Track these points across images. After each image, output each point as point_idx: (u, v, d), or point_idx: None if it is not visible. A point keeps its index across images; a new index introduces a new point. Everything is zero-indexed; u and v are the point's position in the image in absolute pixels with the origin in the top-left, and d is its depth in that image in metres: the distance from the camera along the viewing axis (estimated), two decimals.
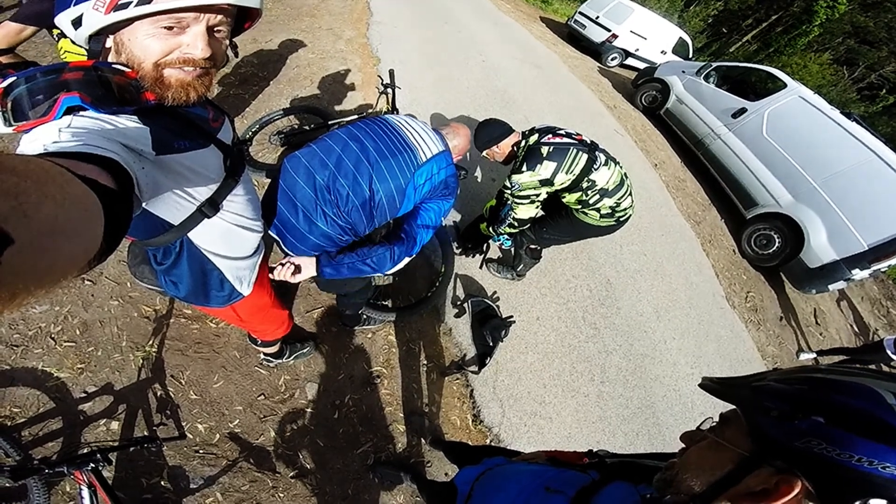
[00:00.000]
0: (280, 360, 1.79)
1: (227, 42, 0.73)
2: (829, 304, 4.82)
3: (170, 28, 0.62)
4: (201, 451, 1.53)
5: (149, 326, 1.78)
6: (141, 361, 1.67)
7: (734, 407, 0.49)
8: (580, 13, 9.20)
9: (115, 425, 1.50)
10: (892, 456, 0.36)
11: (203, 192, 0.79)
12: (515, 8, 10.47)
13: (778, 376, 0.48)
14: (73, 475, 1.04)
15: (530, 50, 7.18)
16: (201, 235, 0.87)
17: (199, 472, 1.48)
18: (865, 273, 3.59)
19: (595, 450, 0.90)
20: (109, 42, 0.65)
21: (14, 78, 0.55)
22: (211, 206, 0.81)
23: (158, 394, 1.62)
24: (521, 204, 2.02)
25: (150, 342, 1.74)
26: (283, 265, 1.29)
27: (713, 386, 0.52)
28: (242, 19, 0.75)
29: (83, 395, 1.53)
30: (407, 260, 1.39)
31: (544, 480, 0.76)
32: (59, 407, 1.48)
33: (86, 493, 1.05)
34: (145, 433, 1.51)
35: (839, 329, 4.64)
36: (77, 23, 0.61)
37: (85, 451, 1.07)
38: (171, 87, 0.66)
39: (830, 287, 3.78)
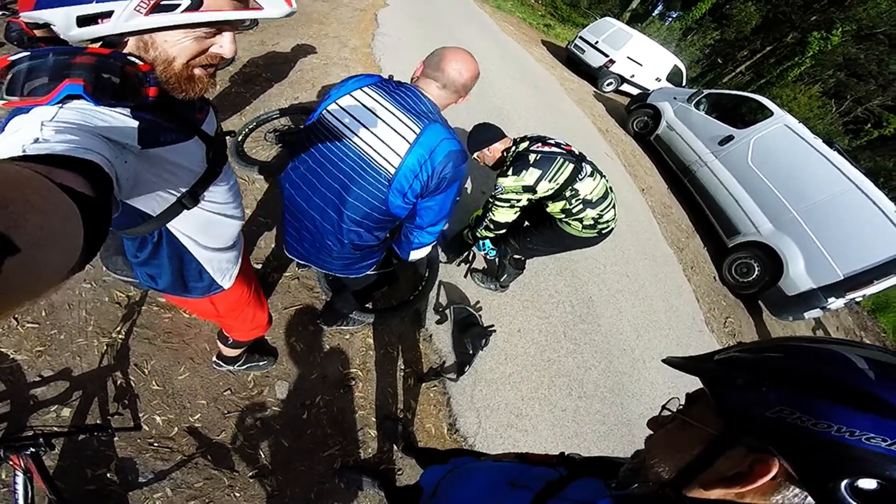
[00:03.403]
0: (231, 367, 1.69)
1: None
2: (805, 332, 4.91)
3: (209, 33, 0.65)
4: (155, 444, 1.46)
5: (119, 312, 1.72)
6: (105, 348, 1.61)
7: (702, 387, 0.45)
8: (580, 38, 9.47)
9: (66, 412, 1.42)
10: (874, 425, 0.32)
11: (184, 184, 0.78)
12: (518, 30, 10.82)
13: (743, 347, 0.45)
14: (10, 459, 0.97)
15: (529, 71, 7.39)
16: (180, 225, 0.86)
17: (151, 465, 1.41)
18: (841, 302, 3.67)
19: (568, 453, 0.88)
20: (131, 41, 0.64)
21: (25, 53, 0.54)
22: (191, 198, 0.80)
23: (118, 382, 1.55)
24: (501, 207, 2.04)
25: (118, 329, 1.68)
26: None
27: (676, 360, 0.49)
28: None
29: (37, 378, 1.45)
30: (426, 250, 1.43)
31: (510, 477, 0.74)
32: (9, 390, 1.40)
33: (20, 479, 0.98)
34: (98, 422, 1.43)
35: None
36: (91, 20, 0.57)
37: (28, 434, 1.01)
38: (199, 84, 0.69)
39: (806, 315, 3.87)
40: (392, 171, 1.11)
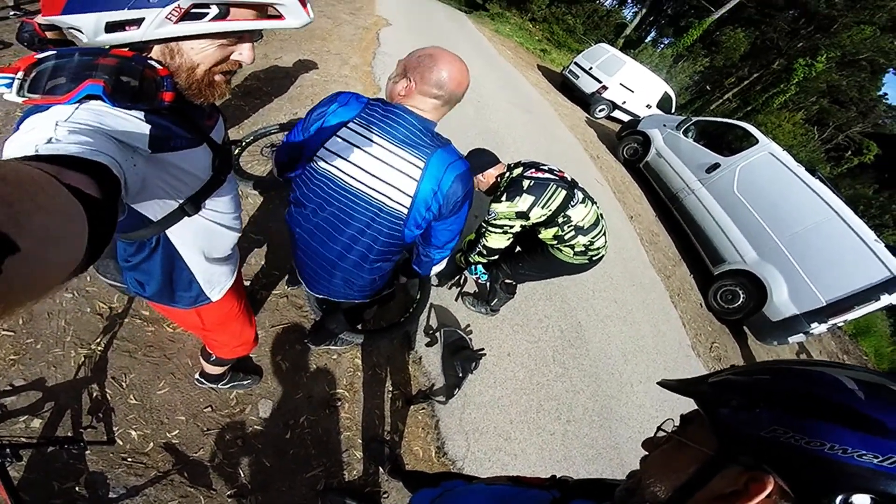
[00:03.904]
0: (214, 385, 1.64)
1: None
2: (790, 356, 4.98)
3: (231, 41, 0.67)
4: (129, 460, 1.40)
5: (100, 324, 1.67)
6: (82, 359, 1.55)
7: (696, 408, 0.46)
8: (575, 63, 9.71)
9: (36, 423, 1.37)
10: (864, 443, 0.32)
11: (187, 190, 0.78)
12: (515, 55, 11.18)
13: (735, 370, 0.47)
14: None
15: (524, 95, 7.62)
16: (179, 232, 0.85)
17: (123, 480, 1.35)
18: (823, 327, 3.76)
19: (560, 476, 0.87)
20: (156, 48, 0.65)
21: (52, 52, 0.54)
22: (193, 205, 0.80)
23: (94, 395, 1.49)
24: (494, 233, 2.06)
25: (98, 340, 1.63)
26: None
27: (671, 383, 0.50)
28: None
29: (8, 388, 1.40)
30: (443, 264, 1.44)
31: (503, 500, 0.73)
32: None
33: None
34: (70, 434, 1.38)
35: None
36: (119, 26, 0.57)
37: None
38: (218, 90, 0.71)
39: (790, 339, 3.94)
40: (405, 211, 1.11)
